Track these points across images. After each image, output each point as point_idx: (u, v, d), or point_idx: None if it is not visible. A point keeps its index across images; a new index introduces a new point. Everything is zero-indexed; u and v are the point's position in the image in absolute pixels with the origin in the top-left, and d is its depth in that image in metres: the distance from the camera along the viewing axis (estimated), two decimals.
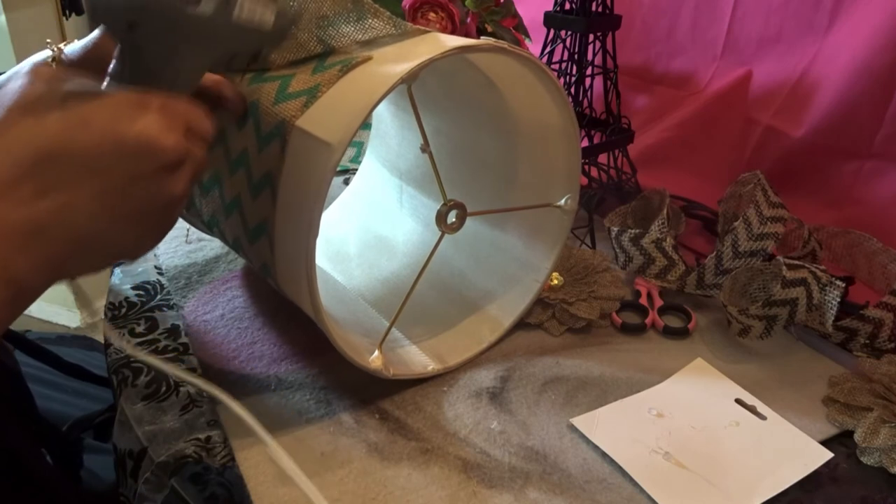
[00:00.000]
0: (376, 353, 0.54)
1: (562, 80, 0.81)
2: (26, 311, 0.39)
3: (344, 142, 0.44)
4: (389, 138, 0.78)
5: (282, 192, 0.48)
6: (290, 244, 0.48)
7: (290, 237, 0.48)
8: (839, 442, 0.53)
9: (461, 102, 0.66)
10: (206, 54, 0.45)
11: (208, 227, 0.60)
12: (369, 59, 0.49)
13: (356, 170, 0.84)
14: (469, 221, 0.60)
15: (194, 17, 0.42)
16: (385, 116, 0.77)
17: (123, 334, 0.64)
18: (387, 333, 0.56)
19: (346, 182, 0.84)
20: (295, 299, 0.53)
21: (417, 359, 0.59)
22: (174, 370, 0.51)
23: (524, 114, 0.62)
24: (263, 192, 0.49)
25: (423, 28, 0.52)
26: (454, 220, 0.59)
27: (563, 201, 0.62)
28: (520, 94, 0.60)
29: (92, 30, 0.44)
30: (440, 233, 0.58)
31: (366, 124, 0.48)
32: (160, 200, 0.38)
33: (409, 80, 0.46)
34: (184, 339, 0.63)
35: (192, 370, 0.60)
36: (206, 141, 0.42)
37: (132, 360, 0.61)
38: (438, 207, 0.58)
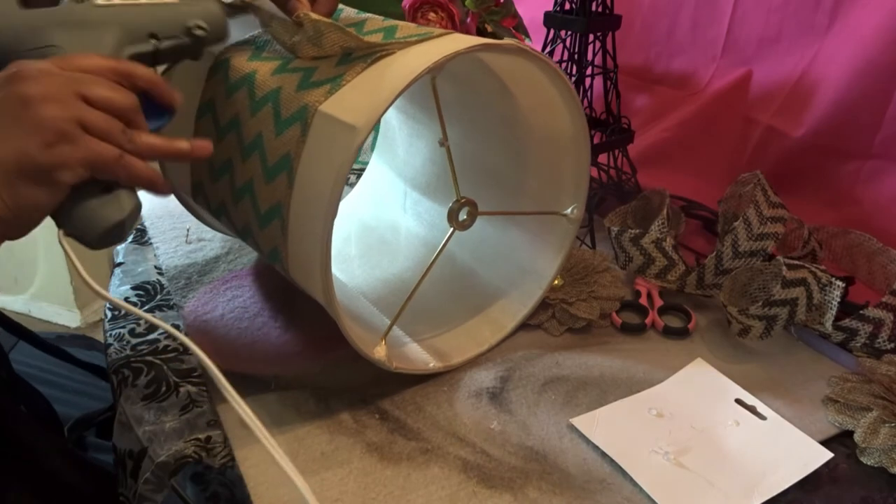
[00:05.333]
0: (381, 343, 0.54)
1: None
2: (26, 312, 0.40)
3: (368, 125, 0.45)
4: (396, 146, 0.78)
5: (300, 173, 0.48)
6: (306, 226, 0.49)
7: (306, 218, 0.49)
8: (839, 442, 0.53)
9: (473, 109, 0.67)
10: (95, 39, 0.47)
11: (215, 214, 0.60)
12: (393, 53, 0.50)
13: (358, 171, 0.84)
14: (475, 225, 0.60)
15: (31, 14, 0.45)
16: (393, 124, 0.78)
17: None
18: (391, 327, 0.57)
19: (349, 184, 0.84)
20: (304, 283, 0.53)
21: (419, 356, 0.59)
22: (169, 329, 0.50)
23: (536, 120, 0.62)
24: (279, 175, 0.50)
25: (446, 30, 0.53)
26: (465, 217, 0.59)
27: (569, 210, 0.63)
28: (533, 100, 0.60)
29: None
30: (448, 232, 0.59)
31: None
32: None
33: (435, 71, 0.47)
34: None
35: (191, 370, 0.60)
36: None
37: (132, 360, 0.61)
38: (451, 204, 0.59)
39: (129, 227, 0.46)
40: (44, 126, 0.41)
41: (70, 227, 0.44)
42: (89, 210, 0.44)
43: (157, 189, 0.46)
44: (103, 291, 0.44)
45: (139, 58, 0.49)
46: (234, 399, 0.43)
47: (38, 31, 0.46)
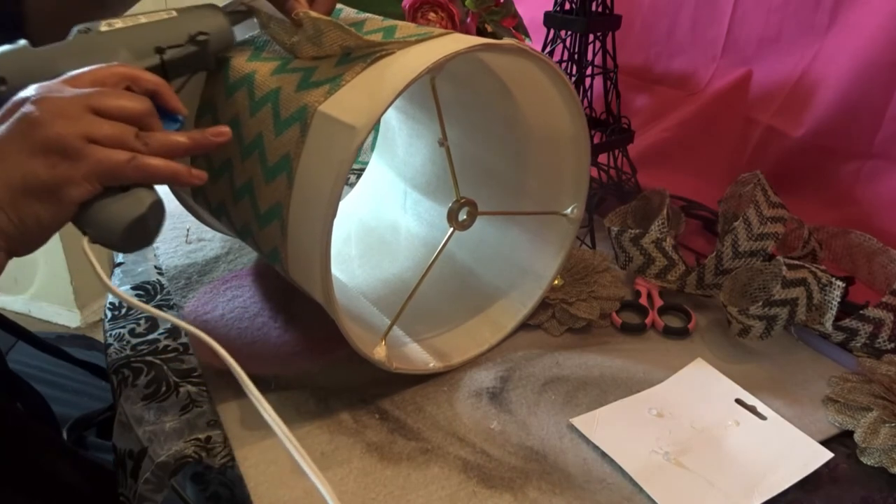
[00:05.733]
0: (381, 343, 0.54)
1: None
2: (26, 311, 0.40)
3: (368, 125, 0.45)
4: (396, 146, 0.78)
5: (300, 174, 0.48)
6: (305, 226, 0.49)
7: (306, 219, 0.49)
8: (839, 442, 0.53)
9: (473, 109, 0.67)
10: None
11: (215, 214, 0.60)
12: (393, 53, 0.50)
13: (358, 171, 0.84)
14: (475, 225, 0.60)
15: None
16: (393, 124, 0.78)
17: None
18: (391, 327, 0.57)
19: (349, 184, 0.84)
20: (303, 283, 0.53)
21: (419, 356, 0.59)
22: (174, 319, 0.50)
23: (536, 120, 0.62)
24: (279, 175, 0.50)
25: (446, 30, 0.53)
26: (465, 217, 0.59)
27: (569, 210, 0.63)
28: (533, 100, 0.60)
29: None
30: (448, 231, 0.59)
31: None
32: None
33: (435, 71, 0.47)
34: (184, 339, 0.63)
35: (191, 370, 0.60)
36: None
37: (132, 360, 0.61)
38: (451, 204, 0.59)
39: (153, 224, 0.46)
40: (49, 145, 0.42)
41: (92, 231, 0.44)
42: (107, 210, 0.44)
43: (182, 180, 0.46)
44: (138, 302, 0.45)
45: (150, 72, 0.49)
46: (256, 397, 0.43)
47: (51, 66, 0.47)
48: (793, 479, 0.49)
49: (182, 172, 0.46)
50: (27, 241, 0.43)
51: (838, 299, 0.60)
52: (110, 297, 0.71)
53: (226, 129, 0.48)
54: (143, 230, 0.45)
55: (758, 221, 0.66)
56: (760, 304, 0.60)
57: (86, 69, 0.45)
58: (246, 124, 0.53)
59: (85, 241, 0.44)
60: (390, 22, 0.55)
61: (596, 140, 0.81)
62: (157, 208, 0.45)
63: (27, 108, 0.42)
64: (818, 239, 0.73)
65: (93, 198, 0.43)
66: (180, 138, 0.46)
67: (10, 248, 0.43)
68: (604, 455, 0.51)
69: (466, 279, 0.69)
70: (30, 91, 0.43)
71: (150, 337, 0.64)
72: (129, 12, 0.60)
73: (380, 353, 0.54)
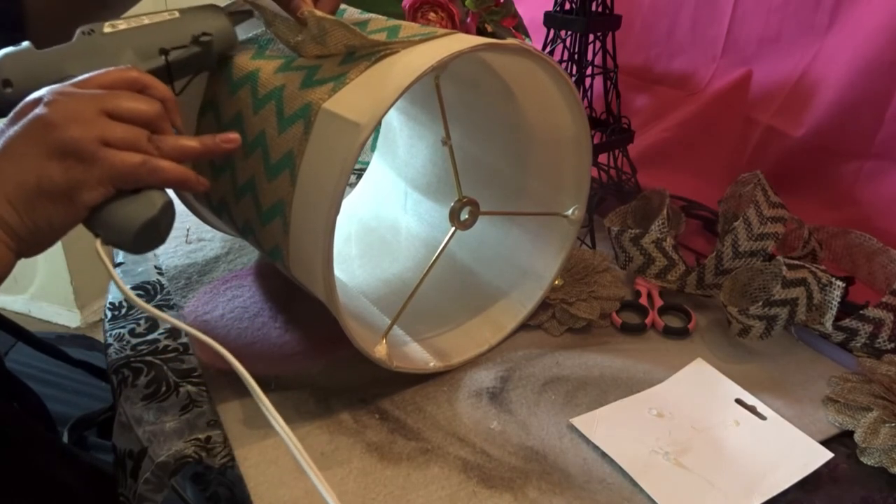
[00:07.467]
0: (382, 342, 0.54)
1: None
2: (26, 311, 0.41)
3: (372, 122, 0.45)
4: (397, 147, 0.78)
5: (303, 171, 0.48)
6: (308, 223, 0.49)
7: (309, 216, 0.49)
8: (839, 442, 0.53)
9: (475, 109, 0.67)
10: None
11: (216, 212, 0.60)
12: (397, 52, 0.50)
13: (359, 172, 0.84)
14: (476, 226, 0.60)
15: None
16: (394, 125, 0.78)
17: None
18: (391, 326, 0.57)
19: (350, 184, 0.84)
20: (305, 280, 0.53)
21: (420, 355, 0.59)
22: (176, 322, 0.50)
23: (537, 121, 0.62)
24: (282, 172, 0.50)
25: (449, 30, 0.53)
26: (467, 216, 0.59)
27: (570, 211, 0.63)
28: (535, 101, 0.60)
29: None
30: (449, 231, 0.59)
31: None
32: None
33: (439, 70, 0.47)
34: (184, 339, 0.63)
35: (191, 370, 0.60)
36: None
37: (132, 360, 0.61)
38: (453, 203, 0.59)
39: (164, 225, 0.46)
40: (64, 148, 0.42)
41: (104, 233, 0.44)
42: (119, 212, 0.44)
43: (190, 186, 0.47)
44: (148, 306, 0.45)
45: (154, 74, 0.50)
46: (262, 400, 0.43)
47: (55, 67, 0.47)
48: (793, 479, 0.49)
49: (191, 177, 0.46)
50: (37, 243, 0.43)
51: (838, 299, 0.60)
52: (110, 298, 0.71)
53: (235, 136, 0.49)
54: (155, 231, 0.45)
55: (758, 221, 0.66)
56: (760, 304, 0.60)
57: (96, 73, 0.45)
58: (249, 122, 0.53)
59: (98, 242, 0.44)
60: (394, 22, 0.55)
61: (596, 140, 0.81)
62: (168, 209, 0.46)
63: (40, 109, 0.42)
64: (818, 239, 0.73)
65: (104, 200, 0.43)
66: (191, 143, 0.47)
67: (20, 249, 0.43)
68: (604, 455, 0.51)
69: (467, 279, 0.69)
70: (41, 93, 0.43)
71: (150, 337, 0.64)
72: (130, 12, 0.61)
73: (380, 351, 0.54)
